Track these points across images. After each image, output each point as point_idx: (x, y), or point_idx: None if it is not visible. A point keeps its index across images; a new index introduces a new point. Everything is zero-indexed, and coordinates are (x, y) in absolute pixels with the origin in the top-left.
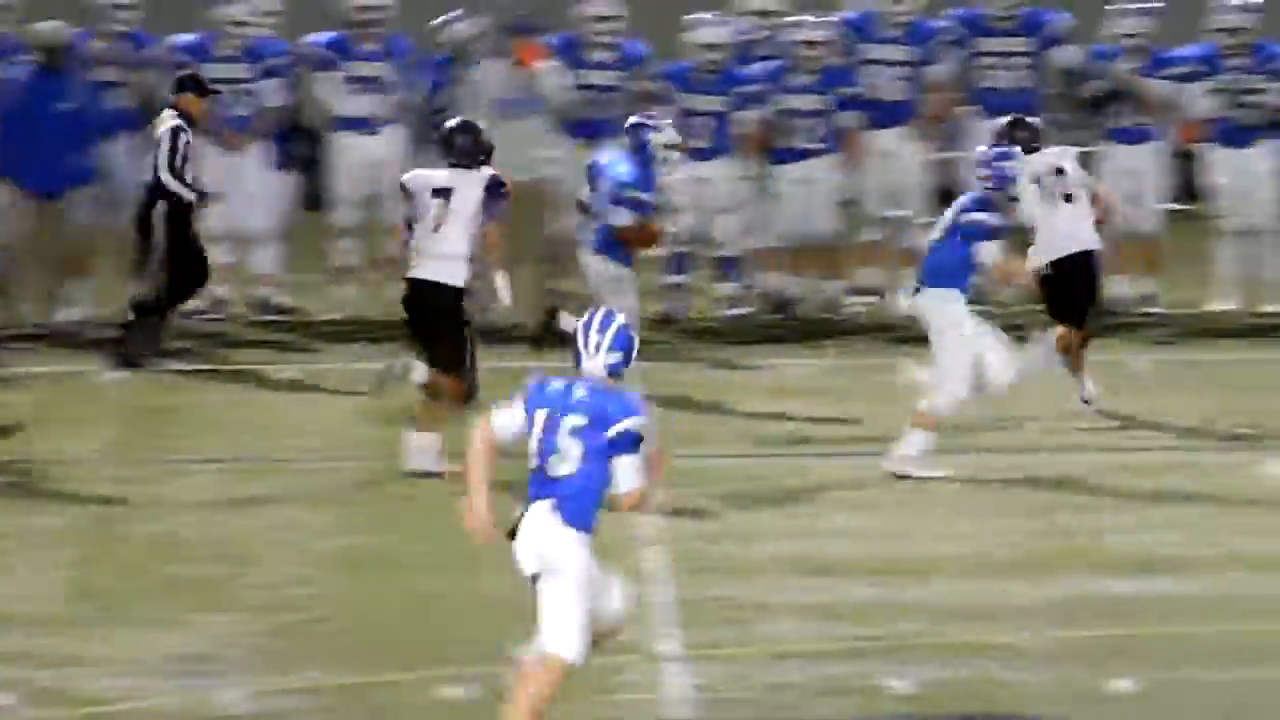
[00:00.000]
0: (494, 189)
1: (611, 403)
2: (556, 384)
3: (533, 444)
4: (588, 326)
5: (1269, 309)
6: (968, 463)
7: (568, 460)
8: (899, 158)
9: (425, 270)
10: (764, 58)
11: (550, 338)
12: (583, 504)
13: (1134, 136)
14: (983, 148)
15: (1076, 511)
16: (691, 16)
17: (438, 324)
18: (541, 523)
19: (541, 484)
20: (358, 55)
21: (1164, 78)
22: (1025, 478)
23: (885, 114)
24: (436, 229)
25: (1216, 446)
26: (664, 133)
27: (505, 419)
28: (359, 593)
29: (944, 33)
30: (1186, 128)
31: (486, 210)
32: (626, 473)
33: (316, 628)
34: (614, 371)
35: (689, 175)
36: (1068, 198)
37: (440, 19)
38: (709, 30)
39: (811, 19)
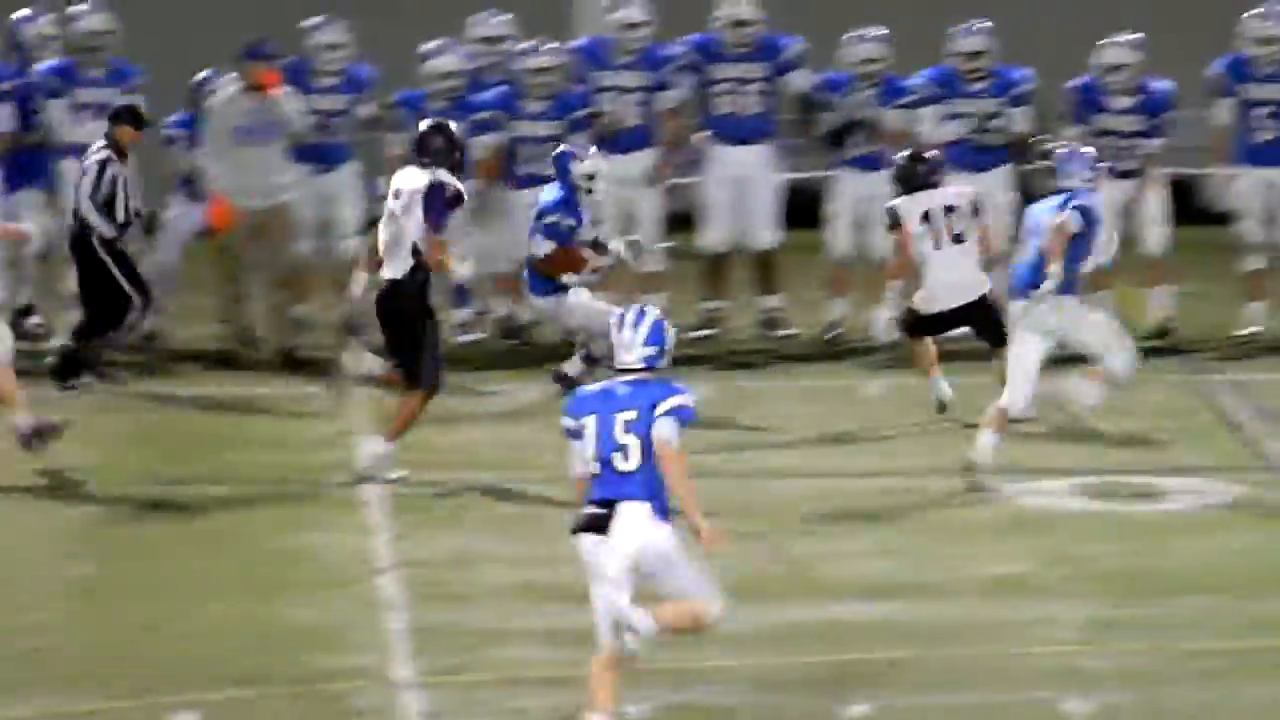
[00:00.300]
0: (433, 193)
1: (654, 391)
2: (593, 389)
3: (589, 450)
4: (622, 323)
5: None
6: (696, 487)
7: (631, 456)
8: (633, 183)
9: (388, 269)
10: (501, 84)
11: (292, 362)
12: (662, 498)
13: (869, 163)
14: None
15: (803, 537)
16: (426, 45)
17: (402, 321)
18: (641, 526)
19: (610, 482)
20: (84, 81)
21: (900, 105)
22: (750, 502)
23: (621, 140)
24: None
25: (945, 471)
26: (586, 162)
27: (575, 459)
28: (89, 619)
29: (678, 58)
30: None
31: (426, 215)
32: (669, 425)
33: (45, 655)
34: (651, 365)
35: None
36: (957, 238)
37: None
38: (444, 59)
39: (540, 46)
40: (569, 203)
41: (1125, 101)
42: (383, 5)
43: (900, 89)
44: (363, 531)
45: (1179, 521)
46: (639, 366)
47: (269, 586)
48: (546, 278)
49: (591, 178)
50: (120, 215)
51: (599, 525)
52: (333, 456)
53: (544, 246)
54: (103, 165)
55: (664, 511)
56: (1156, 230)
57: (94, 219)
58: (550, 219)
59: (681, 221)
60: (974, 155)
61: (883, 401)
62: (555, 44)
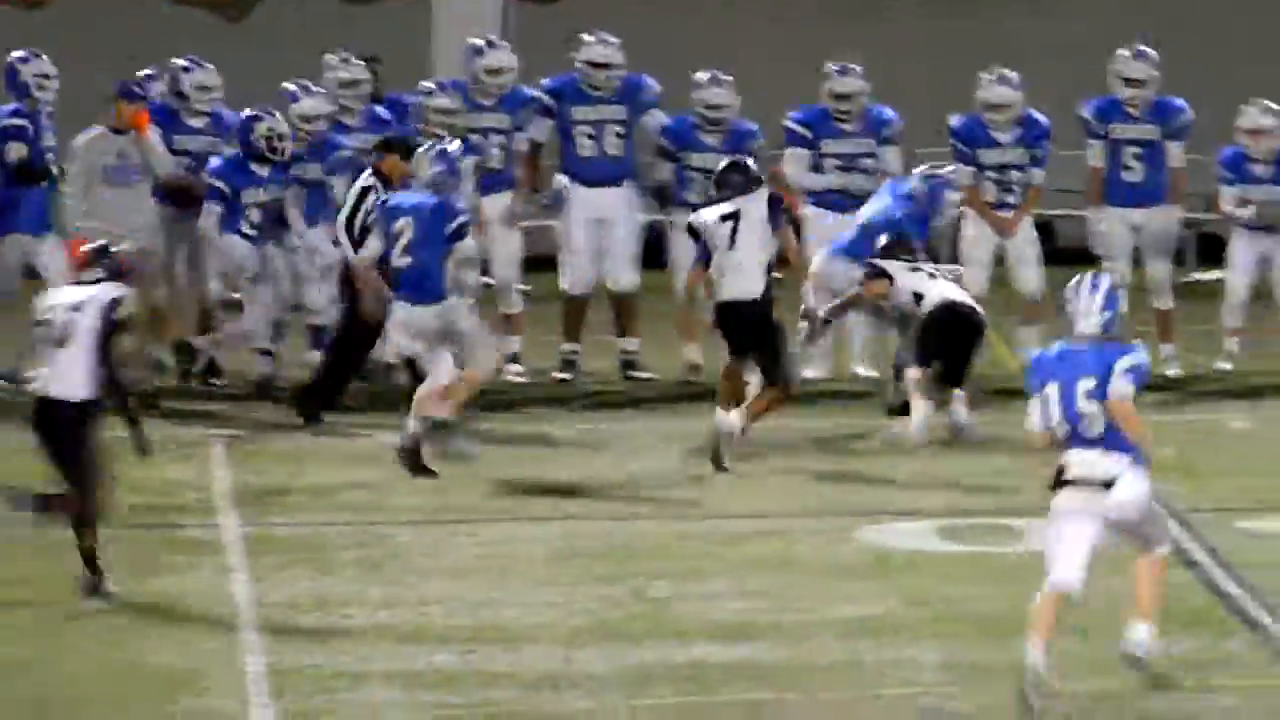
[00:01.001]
0: None
1: (1110, 354)
2: (1053, 354)
3: (1054, 414)
4: (1079, 290)
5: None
6: (557, 530)
7: (1096, 422)
8: (494, 224)
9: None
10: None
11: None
12: (1135, 453)
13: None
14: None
15: (662, 578)
16: (288, 87)
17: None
18: (1129, 481)
19: (1082, 442)
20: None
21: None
22: (612, 544)
23: (484, 182)
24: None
25: (804, 513)
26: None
27: (1035, 417)
28: None
29: (536, 101)
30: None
31: None
32: (1125, 389)
33: None
34: (1107, 328)
35: (289, 244)
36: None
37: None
38: (310, 102)
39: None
40: None
41: (1007, 136)
42: (250, 42)
43: (746, 133)
44: (222, 572)
45: (1038, 563)
46: (1097, 332)
47: (128, 629)
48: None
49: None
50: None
51: (1084, 482)
52: (191, 498)
53: None
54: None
55: (1139, 465)
56: (1032, 270)
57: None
58: None
59: (541, 263)
60: (842, 198)
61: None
62: (429, 84)
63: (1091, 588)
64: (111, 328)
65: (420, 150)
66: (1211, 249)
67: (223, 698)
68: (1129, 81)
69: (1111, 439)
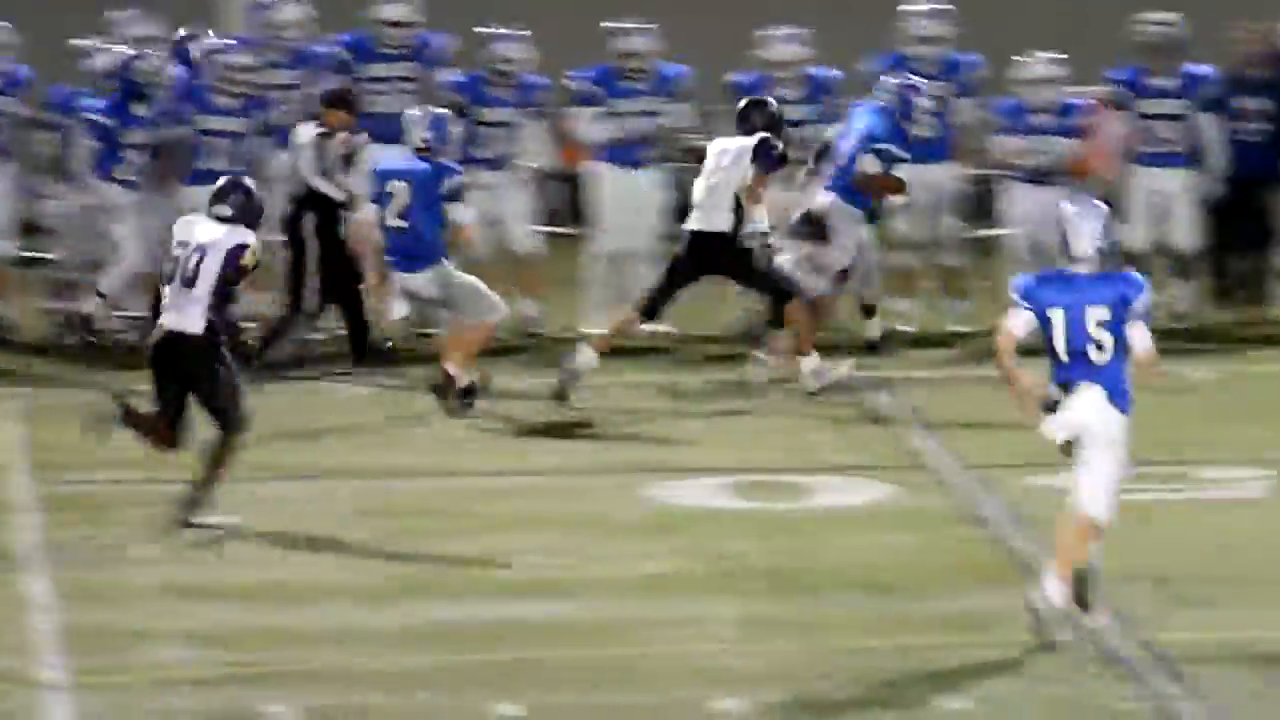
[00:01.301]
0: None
1: (1122, 285)
2: (1054, 282)
3: (1059, 340)
4: (1073, 216)
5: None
6: (347, 489)
7: (1104, 349)
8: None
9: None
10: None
11: None
12: (1126, 390)
13: (495, 163)
14: None
15: (457, 536)
16: (79, 42)
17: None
18: (1098, 405)
19: (1080, 367)
20: None
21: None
22: (404, 502)
23: (278, 137)
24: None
25: (596, 469)
26: None
27: (1017, 322)
28: None
29: (330, 58)
30: (569, 151)
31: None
32: (1144, 333)
33: None
34: (1102, 253)
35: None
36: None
37: None
38: (102, 57)
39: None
40: None
41: (795, 93)
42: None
43: (536, 87)
44: (8, 530)
45: (829, 520)
46: (1095, 256)
47: None
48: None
49: None
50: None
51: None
52: None
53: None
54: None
55: (1126, 403)
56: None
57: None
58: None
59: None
60: (630, 153)
61: (527, 400)
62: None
63: (886, 547)
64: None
65: (409, 114)
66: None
67: (8, 658)
68: (923, 40)
69: (1110, 370)
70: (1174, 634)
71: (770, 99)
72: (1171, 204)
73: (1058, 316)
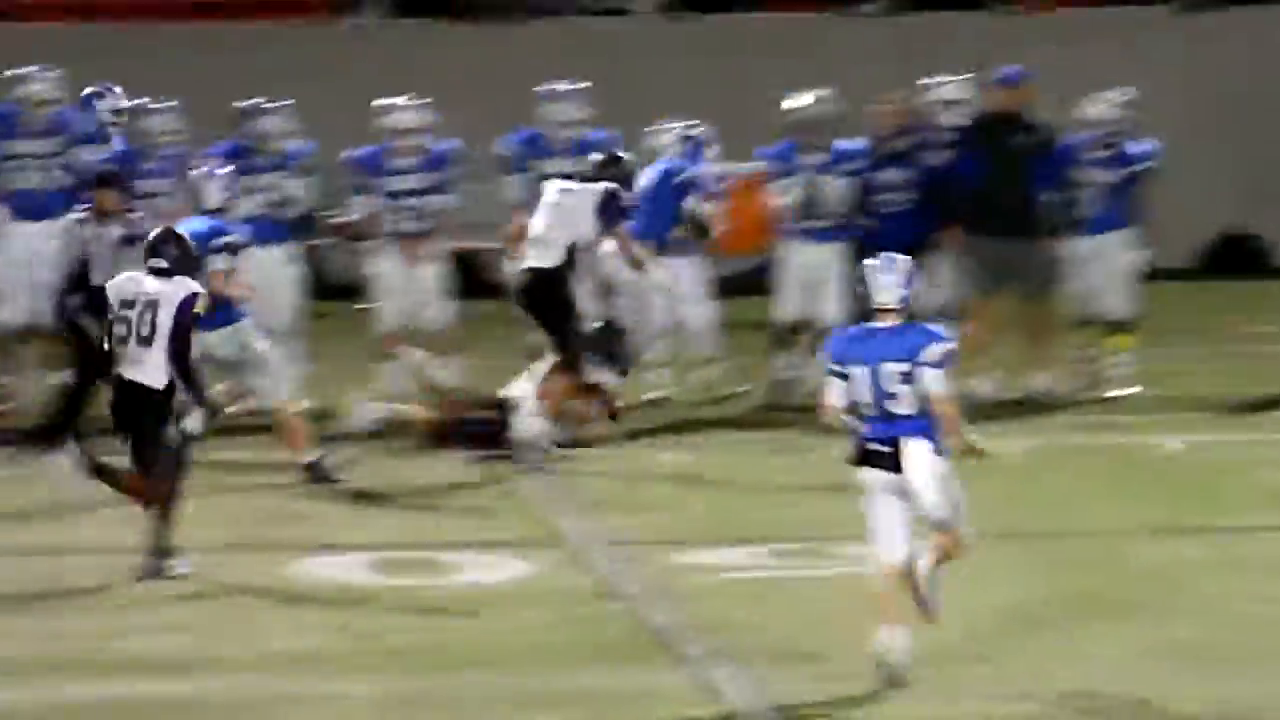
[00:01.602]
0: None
1: (916, 336)
2: (856, 337)
3: (864, 395)
4: (876, 270)
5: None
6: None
7: (904, 402)
8: None
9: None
10: None
11: None
12: (935, 433)
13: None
14: None
15: (90, 612)
16: None
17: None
18: (925, 460)
19: (886, 423)
20: None
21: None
22: (32, 579)
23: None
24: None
25: (235, 545)
26: None
27: (832, 393)
28: None
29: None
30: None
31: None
32: (937, 377)
33: None
34: (904, 303)
35: None
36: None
37: None
38: None
39: None
40: None
41: (408, 163)
42: None
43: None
44: None
45: (469, 597)
46: (897, 307)
47: None
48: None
49: None
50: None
51: (885, 463)
52: None
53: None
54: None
55: (938, 444)
56: (438, 304)
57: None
58: None
59: None
60: (267, 230)
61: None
62: None
63: (525, 624)
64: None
65: (195, 174)
66: None
67: None
68: (563, 123)
69: (916, 420)
70: (815, 710)
71: (624, 154)
72: (824, 277)
73: (860, 373)
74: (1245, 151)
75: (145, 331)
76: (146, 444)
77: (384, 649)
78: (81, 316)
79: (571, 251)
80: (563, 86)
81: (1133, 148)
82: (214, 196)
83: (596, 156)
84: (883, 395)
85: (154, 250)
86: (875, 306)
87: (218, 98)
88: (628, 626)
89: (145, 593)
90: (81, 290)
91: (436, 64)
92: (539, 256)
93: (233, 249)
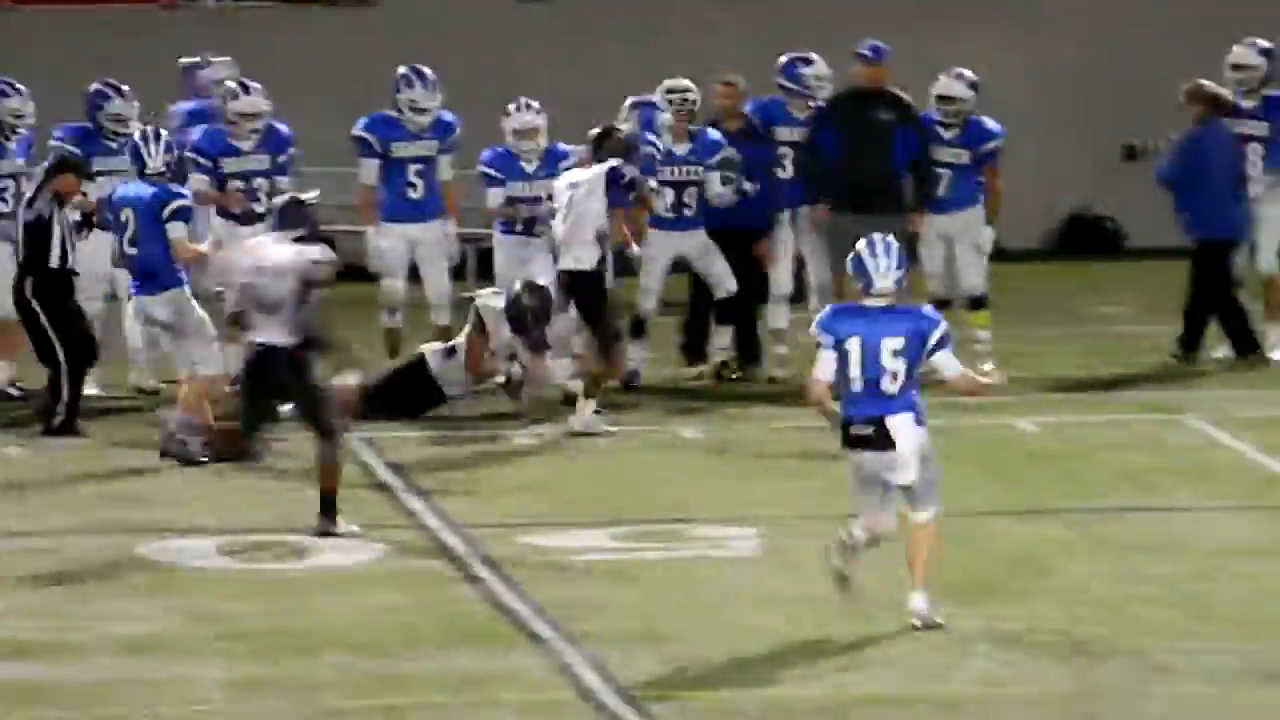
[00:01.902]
0: None
1: (917, 319)
2: (851, 314)
3: (854, 370)
4: (872, 251)
5: None
6: None
7: (898, 378)
8: None
9: None
10: None
11: None
12: (919, 409)
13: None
14: None
15: None
16: None
17: None
18: (910, 435)
19: (874, 400)
20: None
21: None
22: None
23: None
24: None
25: (84, 529)
26: None
27: (825, 367)
28: None
29: None
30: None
31: None
32: (952, 361)
33: None
34: (899, 284)
35: None
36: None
37: None
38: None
39: None
40: None
41: (247, 144)
42: None
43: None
44: None
45: (321, 580)
46: (893, 289)
47: None
48: None
49: None
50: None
51: (873, 444)
52: None
53: None
54: None
55: (920, 419)
56: None
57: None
58: None
59: None
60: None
61: (22, 461)
62: None
63: (378, 607)
64: None
65: (137, 137)
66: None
67: None
68: (414, 106)
69: (903, 397)
70: (667, 691)
71: (618, 125)
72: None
73: (854, 346)
74: (1094, 133)
75: (274, 298)
76: (294, 399)
77: (236, 632)
78: (40, 301)
79: (602, 242)
80: (406, 70)
81: (982, 127)
82: (157, 160)
83: (592, 133)
84: (877, 371)
85: (285, 219)
86: (873, 290)
87: (69, 82)
88: (482, 609)
89: (1, 577)
90: (38, 274)
91: (286, 48)
92: (574, 259)
93: (186, 213)
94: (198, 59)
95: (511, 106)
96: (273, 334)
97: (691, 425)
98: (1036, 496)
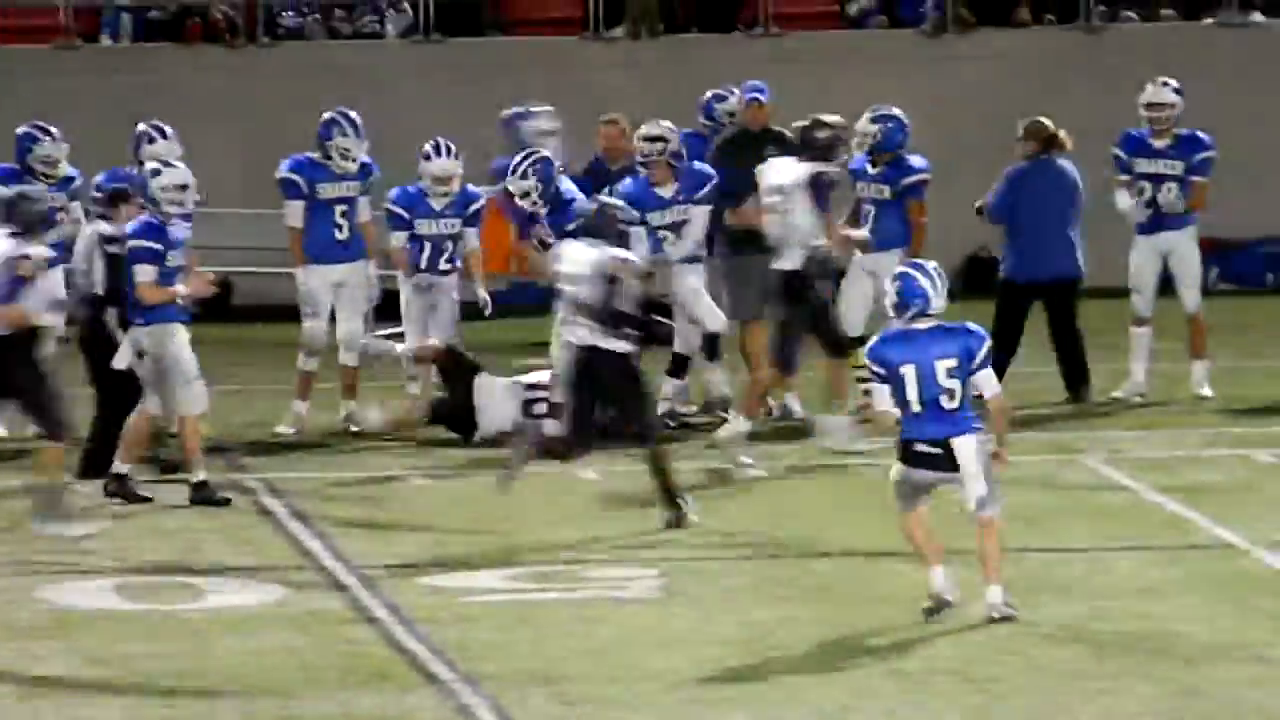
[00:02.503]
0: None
1: (965, 337)
2: (899, 340)
3: (911, 394)
4: (924, 272)
5: None
6: None
7: (955, 396)
8: None
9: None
10: None
11: None
12: (976, 423)
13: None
14: None
15: None
16: None
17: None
18: (975, 453)
19: (934, 419)
20: None
21: None
22: None
23: None
24: None
25: None
26: None
27: (882, 400)
28: None
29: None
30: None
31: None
32: (991, 379)
33: None
34: (943, 307)
35: None
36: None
37: None
38: None
39: None
40: None
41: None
42: None
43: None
44: None
45: (219, 621)
46: (943, 311)
47: None
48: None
49: None
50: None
51: (937, 464)
52: None
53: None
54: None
55: (976, 425)
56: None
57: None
58: None
59: None
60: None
61: None
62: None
63: (276, 648)
64: None
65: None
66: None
67: None
68: (344, 154)
69: (963, 413)
70: None
71: (826, 119)
72: None
73: (909, 372)
74: (991, 174)
75: (593, 303)
76: (619, 402)
77: (134, 673)
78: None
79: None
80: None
81: (906, 163)
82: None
83: (799, 126)
84: (935, 392)
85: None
86: (925, 311)
87: None
88: (380, 650)
89: None
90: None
91: (182, 89)
92: (788, 259)
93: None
94: (522, 109)
95: (430, 148)
96: (594, 337)
97: (587, 466)
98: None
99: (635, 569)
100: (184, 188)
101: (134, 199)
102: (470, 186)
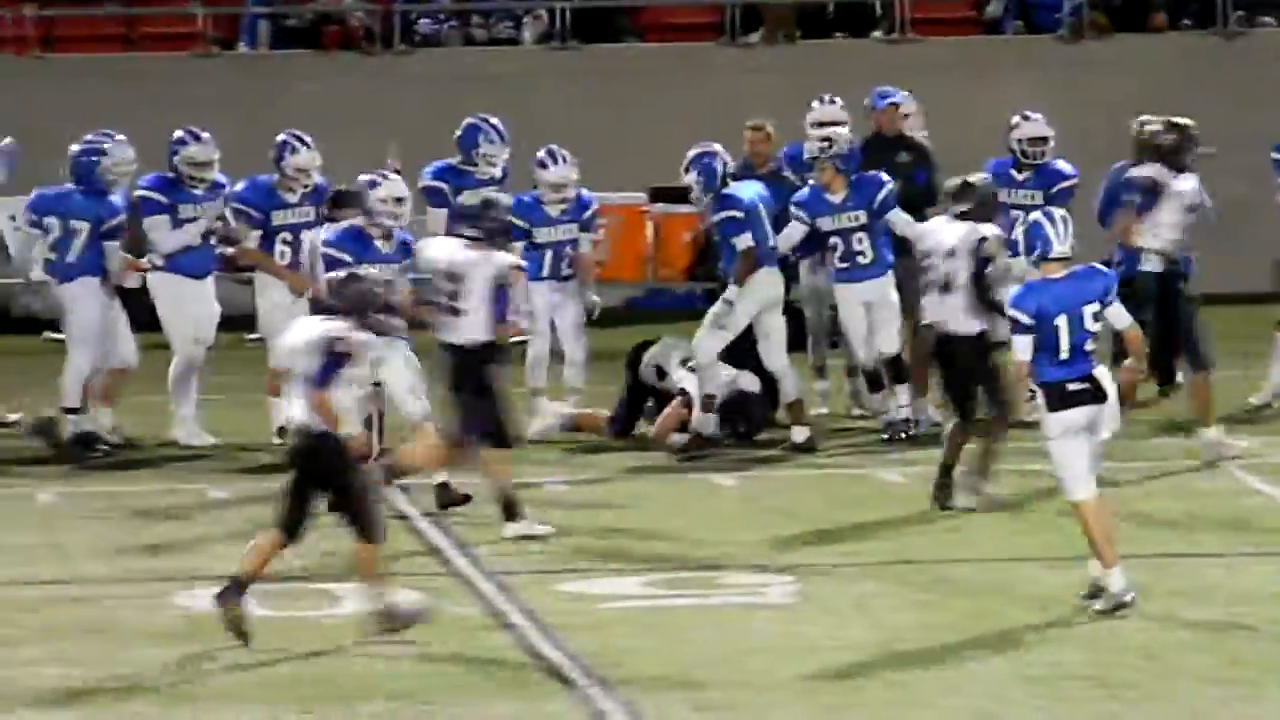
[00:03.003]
0: None
1: (1096, 277)
2: (1040, 290)
3: (1064, 341)
4: (1054, 222)
5: None
6: None
7: (1098, 338)
8: None
9: None
10: None
11: None
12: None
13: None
14: None
15: None
16: None
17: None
18: (1110, 383)
19: (1081, 361)
20: None
21: None
22: None
23: None
24: None
25: (119, 578)
26: None
27: (1024, 348)
28: None
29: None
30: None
31: None
32: (1122, 312)
33: None
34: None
35: None
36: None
37: None
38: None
39: None
40: None
41: (295, 197)
42: None
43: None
44: None
45: (356, 627)
46: (1070, 255)
47: None
48: None
49: None
50: None
51: (1089, 398)
52: None
53: None
54: None
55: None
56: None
57: None
58: None
59: None
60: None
61: (55, 509)
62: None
63: (416, 654)
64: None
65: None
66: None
67: None
68: (489, 160)
69: (1095, 352)
70: None
71: (972, 181)
72: None
73: (1062, 321)
74: None
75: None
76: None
77: (274, 680)
78: None
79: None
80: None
81: (1054, 169)
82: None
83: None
84: (1084, 337)
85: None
86: (1053, 256)
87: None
88: (515, 656)
89: (39, 626)
90: None
91: (319, 96)
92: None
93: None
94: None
95: (545, 155)
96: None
97: (725, 473)
98: (1069, 541)
99: (770, 575)
100: (401, 200)
101: (356, 205)
102: (584, 192)
